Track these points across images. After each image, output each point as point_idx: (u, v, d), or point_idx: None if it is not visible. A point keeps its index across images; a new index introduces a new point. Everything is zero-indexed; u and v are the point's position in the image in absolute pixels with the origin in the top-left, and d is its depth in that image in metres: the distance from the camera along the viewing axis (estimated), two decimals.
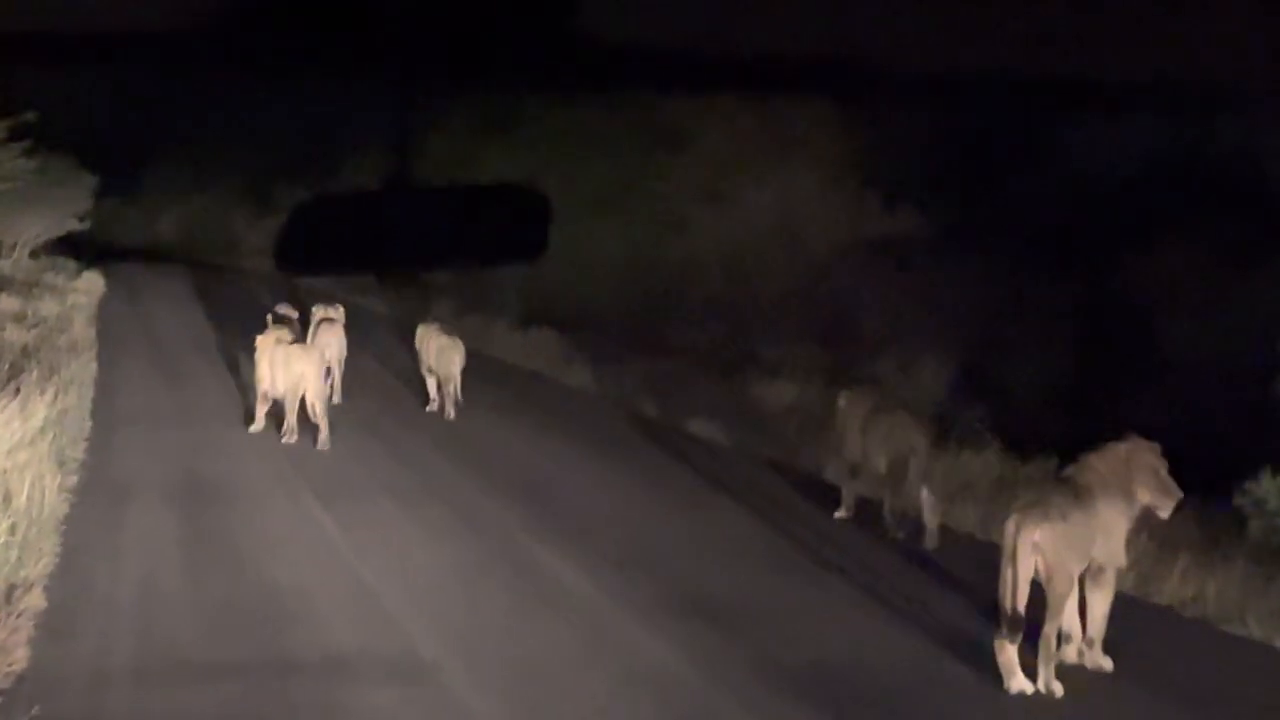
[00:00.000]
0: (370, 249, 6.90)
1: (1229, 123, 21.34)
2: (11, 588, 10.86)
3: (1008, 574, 9.22)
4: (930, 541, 13.26)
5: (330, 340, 19.68)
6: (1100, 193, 21.72)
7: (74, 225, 38.49)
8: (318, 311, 20.54)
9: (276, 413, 17.73)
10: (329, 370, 19.42)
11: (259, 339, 17.81)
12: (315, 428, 17.18)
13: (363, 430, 18.34)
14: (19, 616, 10.39)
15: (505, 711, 9.16)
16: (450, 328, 20.50)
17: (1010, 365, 19.59)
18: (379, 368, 22.71)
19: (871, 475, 13.93)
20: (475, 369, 22.72)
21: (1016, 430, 17.23)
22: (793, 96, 24.38)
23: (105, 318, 28.99)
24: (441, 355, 19.84)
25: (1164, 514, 9.99)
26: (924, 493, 13.33)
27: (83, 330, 25.23)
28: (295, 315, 20.52)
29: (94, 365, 21.96)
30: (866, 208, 23.93)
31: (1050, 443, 15.89)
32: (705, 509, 15.01)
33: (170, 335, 26.94)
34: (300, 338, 19.38)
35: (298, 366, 17.26)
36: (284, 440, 17.34)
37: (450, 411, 19.65)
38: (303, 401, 17.20)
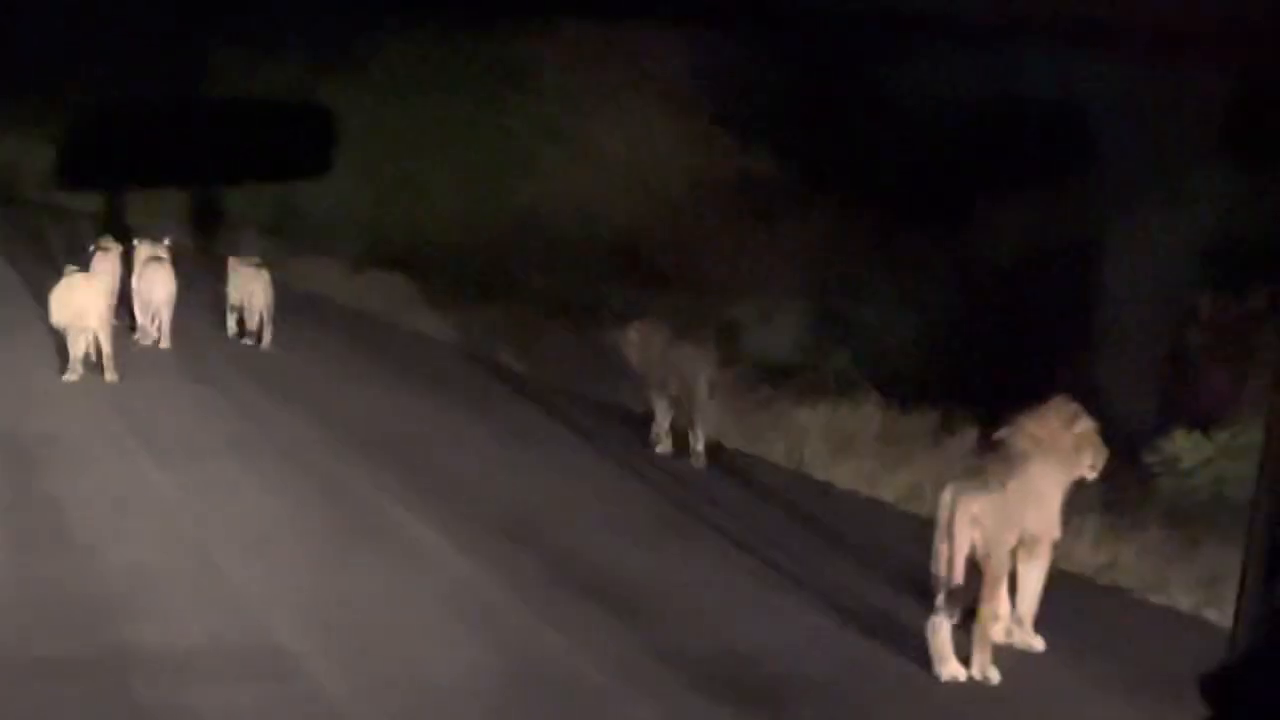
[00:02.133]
0: (153, 161, 6.18)
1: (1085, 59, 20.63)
2: None
3: (943, 548, 8.27)
4: (700, 462, 13.84)
5: (157, 280, 18.25)
6: (960, 132, 20.84)
7: None
8: (142, 249, 19.06)
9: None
10: (155, 314, 18.46)
11: (63, 279, 16.87)
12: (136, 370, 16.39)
13: (194, 378, 16.98)
14: None
15: (375, 711, 8.00)
16: (257, 261, 20.07)
17: (877, 312, 18.65)
18: (204, 310, 21.08)
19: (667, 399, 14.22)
20: (310, 313, 21.51)
21: (889, 382, 16.32)
22: (642, 29, 23.24)
23: None
24: (246, 286, 19.39)
25: (1092, 475, 9.12)
26: (699, 416, 13.86)
27: None
28: (119, 249, 19.67)
29: None
30: (720, 146, 22.78)
31: (928, 395, 15.11)
32: (573, 468, 13.94)
33: None
34: (125, 273, 19.04)
35: (79, 298, 16.25)
36: (65, 378, 16.30)
37: (260, 344, 19.05)
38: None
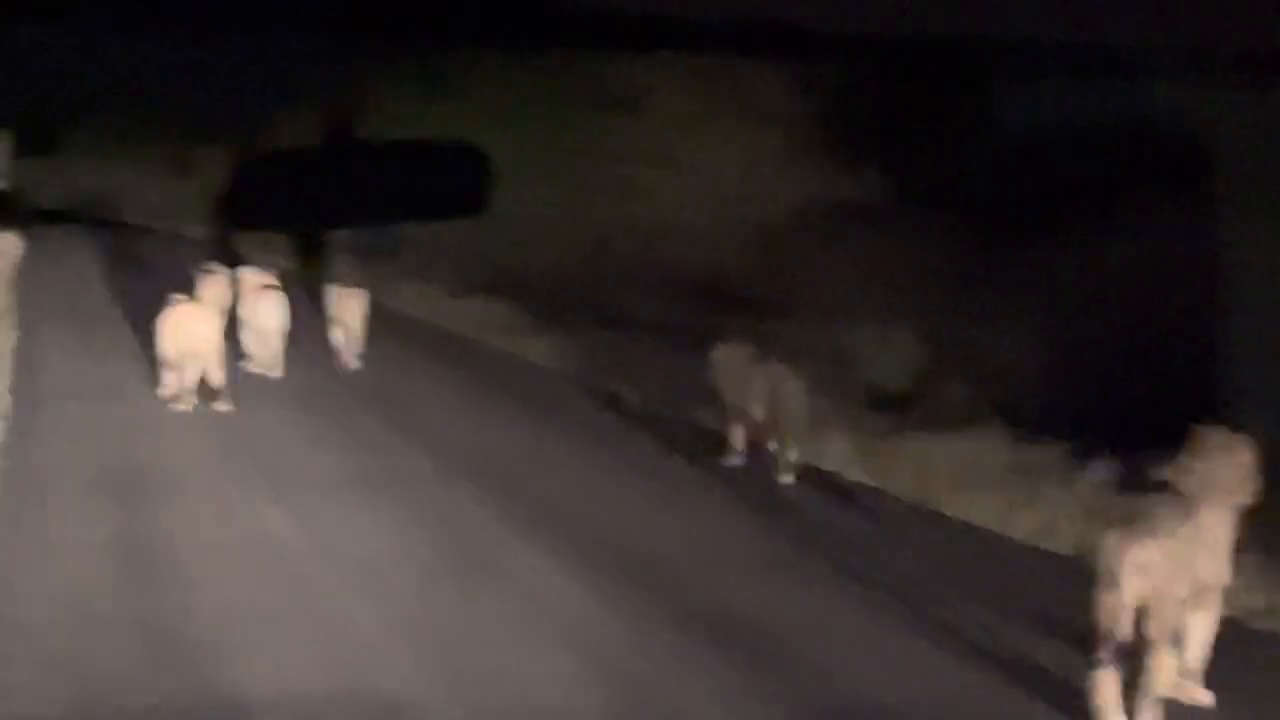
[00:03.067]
0: (314, 205, 6.59)
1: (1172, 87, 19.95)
2: None
3: (1108, 600, 7.60)
4: (789, 478, 13.75)
5: (270, 308, 17.88)
6: (1071, 152, 20.13)
7: None
8: (252, 276, 18.72)
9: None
10: (269, 342, 18.20)
11: (168, 306, 16.56)
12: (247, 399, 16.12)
13: (305, 408, 16.59)
14: None
15: None
16: (354, 281, 19.93)
17: (994, 337, 17.94)
18: (309, 334, 20.68)
19: (752, 422, 14.17)
20: (414, 338, 21.16)
21: (1010, 409, 15.61)
22: (748, 58, 22.74)
23: (25, 283, 26.83)
24: (344, 306, 19.34)
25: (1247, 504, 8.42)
26: (787, 436, 13.80)
27: (1, 297, 23.11)
28: (225, 272, 19.47)
29: (14, 334, 19.90)
30: (824, 171, 22.21)
31: (1053, 423, 14.43)
32: (688, 499, 13.44)
33: (95, 302, 24.89)
34: (232, 297, 18.89)
35: (190, 327, 16.02)
36: (177, 408, 16.07)
37: (353, 362, 19.22)
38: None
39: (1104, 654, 7.69)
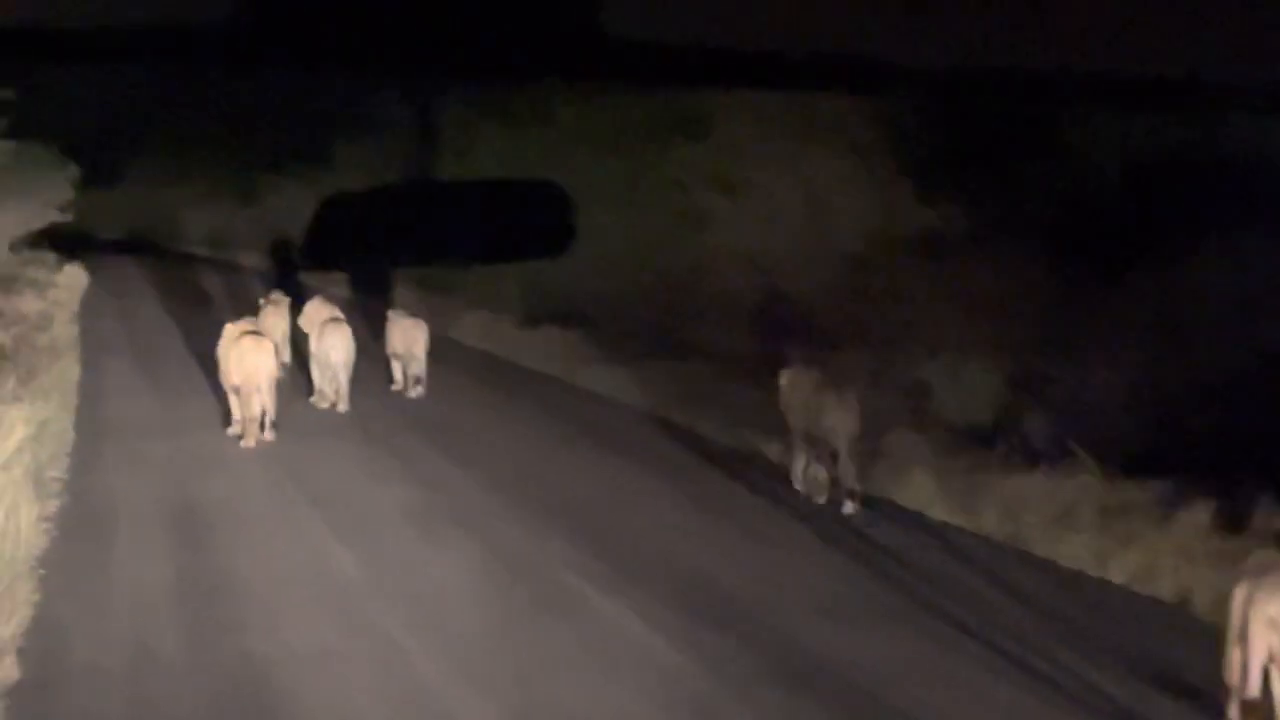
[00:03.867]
0: (397, 243, 5.98)
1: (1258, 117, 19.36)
2: None
3: (1236, 655, 7.07)
4: (851, 509, 13.54)
5: (337, 342, 17.49)
6: (1156, 184, 19.49)
7: (55, 216, 35.94)
8: (320, 310, 18.37)
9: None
10: (335, 376, 17.76)
11: (226, 327, 16.38)
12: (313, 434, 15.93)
13: (369, 440, 16.19)
14: None
15: None
16: (414, 312, 19.79)
17: (1078, 370, 17.31)
18: (371, 367, 20.29)
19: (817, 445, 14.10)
20: (479, 369, 20.76)
21: (1098, 446, 14.98)
22: (816, 88, 22.23)
23: (88, 315, 26.60)
24: (405, 336, 18.96)
25: None
26: (850, 464, 13.62)
27: (64, 329, 22.84)
28: (287, 300, 19.54)
29: (77, 368, 19.59)
30: (900, 200, 21.62)
31: (1146, 461, 13.83)
32: (765, 537, 12.92)
33: (157, 333, 24.55)
34: (291, 326, 19.04)
35: (249, 358, 15.63)
36: (241, 443, 15.75)
37: (415, 391, 18.94)
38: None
39: (1234, 713, 7.17)
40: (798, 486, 14.40)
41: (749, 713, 8.54)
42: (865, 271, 21.35)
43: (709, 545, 12.38)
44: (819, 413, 13.89)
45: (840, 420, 13.69)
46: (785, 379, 14.63)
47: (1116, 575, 11.73)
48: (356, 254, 6.94)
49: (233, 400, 16.18)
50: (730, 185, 22.89)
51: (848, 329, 20.38)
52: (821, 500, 14.01)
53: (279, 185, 40.67)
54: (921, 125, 21.88)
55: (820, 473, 14.26)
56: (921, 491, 14.22)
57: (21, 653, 8.99)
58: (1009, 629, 10.33)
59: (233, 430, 16.17)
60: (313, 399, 17.97)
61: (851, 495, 13.67)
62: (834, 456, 13.85)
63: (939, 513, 13.75)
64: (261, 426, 15.91)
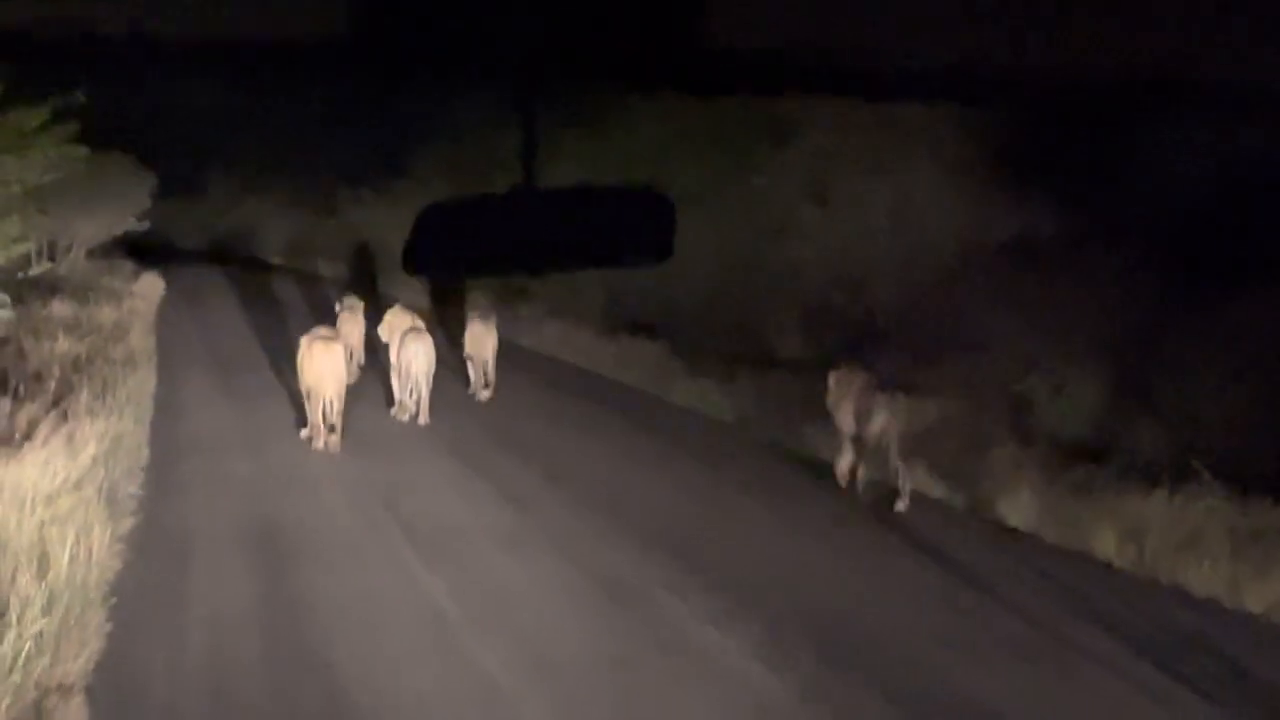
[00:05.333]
0: (497, 251, 6.16)
1: None
2: (43, 695, 7.80)
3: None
4: (903, 506, 13.47)
5: (418, 352, 16.76)
6: (1258, 194, 18.38)
7: (133, 225, 35.52)
8: (399, 319, 17.67)
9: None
10: (415, 386, 17.06)
11: (303, 338, 15.86)
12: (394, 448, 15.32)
13: (455, 456, 15.35)
14: None
15: None
16: (486, 315, 19.67)
17: (1188, 384, 16.24)
18: (452, 378, 19.53)
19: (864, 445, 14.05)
20: (563, 381, 19.97)
21: (1215, 465, 13.94)
22: (904, 95, 21.23)
23: (165, 325, 25.98)
24: (477, 340, 18.97)
25: None
26: (900, 464, 13.59)
27: (140, 339, 22.13)
28: (362, 306, 19.58)
29: (153, 380, 18.86)
30: (992, 208, 20.60)
31: (1266, 480, 12.82)
32: (876, 563, 11.99)
33: (236, 344, 23.87)
34: (366, 330, 19.28)
35: (319, 364, 15.29)
36: (312, 444, 15.52)
37: (483, 394, 18.90)
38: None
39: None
40: (842, 484, 14.32)
41: None
42: (957, 281, 20.35)
43: (819, 573, 11.46)
44: (867, 413, 13.89)
45: (887, 420, 13.71)
46: (833, 379, 14.58)
47: (1254, 604, 10.73)
48: (456, 262, 6.36)
49: (308, 405, 15.73)
50: (818, 194, 21.90)
51: (940, 340, 19.40)
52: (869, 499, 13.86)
53: (358, 196, 40.23)
54: (1014, 133, 20.86)
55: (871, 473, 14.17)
56: (1031, 512, 13.25)
57: (90, 693, 8.16)
58: (1152, 664, 9.41)
59: (305, 433, 15.83)
60: (393, 411, 17.23)
61: (900, 494, 13.60)
62: (884, 456, 13.81)
63: (1052, 535, 12.79)
64: (330, 429, 15.46)
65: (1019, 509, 13.36)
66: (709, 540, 12.28)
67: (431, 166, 34.24)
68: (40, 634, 8.31)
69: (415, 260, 6.19)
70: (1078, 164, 20.07)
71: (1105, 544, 12.30)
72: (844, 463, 14.36)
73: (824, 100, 22.18)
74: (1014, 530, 13.01)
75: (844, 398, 14.30)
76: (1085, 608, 10.73)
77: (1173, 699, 8.72)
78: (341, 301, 20.08)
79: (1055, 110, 20.63)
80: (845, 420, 14.26)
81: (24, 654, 7.91)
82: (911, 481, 13.70)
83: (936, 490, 14.39)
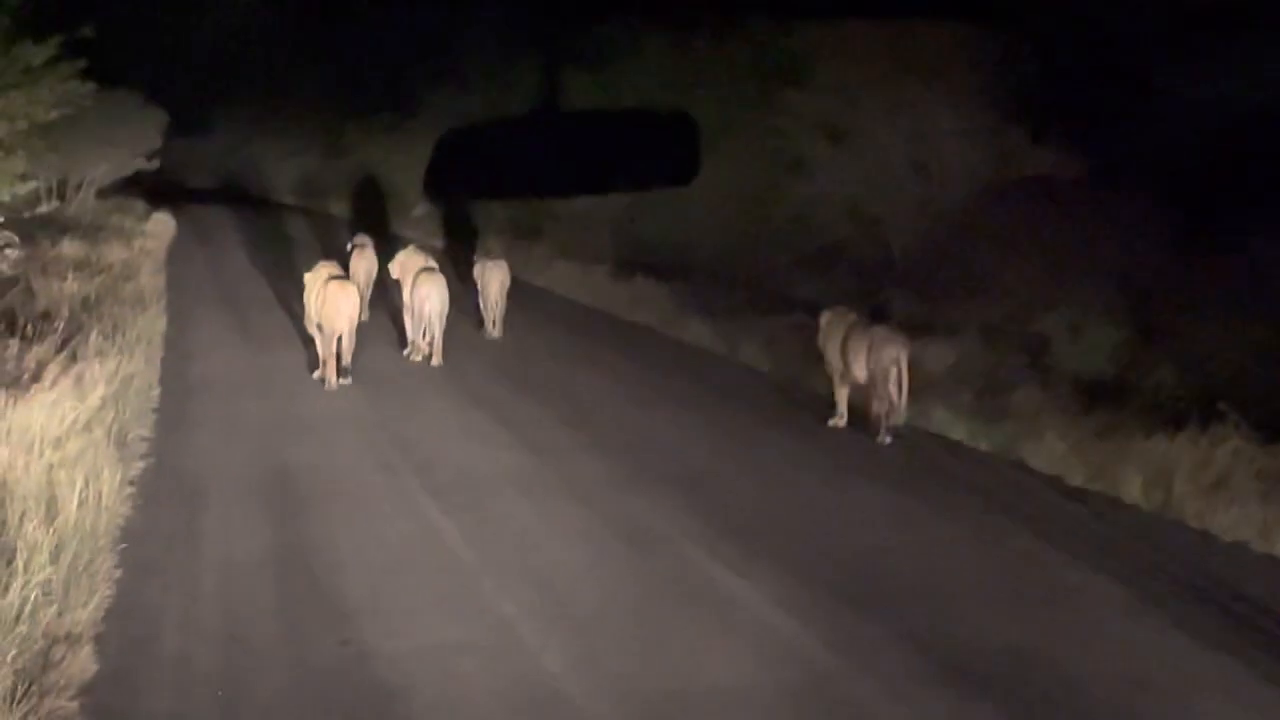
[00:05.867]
0: (521, 174, 6.19)
1: None
2: (50, 645, 7.51)
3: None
4: (884, 437, 13.58)
5: (431, 293, 16.47)
6: (1266, 129, 17.88)
7: (143, 165, 35.18)
8: (412, 259, 17.37)
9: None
10: (429, 327, 16.83)
11: (307, 275, 15.79)
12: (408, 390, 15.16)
13: (470, 399, 15.05)
14: (58, 693, 7.02)
15: None
16: (496, 255, 19.87)
17: (1210, 325, 15.85)
18: (464, 320, 19.24)
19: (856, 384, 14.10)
20: (579, 322, 19.65)
21: (1238, 407, 13.58)
22: (928, 24, 20.72)
23: (176, 264, 25.71)
24: (487, 279, 19.07)
25: None
26: (900, 400, 13.59)
27: (151, 279, 21.84)
28: (372, 244, 19.56)
29: (163, 320, 18.56)
30: (1011, 145, 20.19)
31: None
32: (893, 507, 11.60)
33: (246, 284, 23.60)
34: (376, 268, 19.35)
35: (333, 302, 15.07)
36: (325, 384, 15.30)
37: (495, 332, 19.00)
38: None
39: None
40: (840, 423, 14.35)
41: (899, 709, 7.29)
42: (974, 220, 19.99)
43: (841, 518, 11.13)
44: (856, 352, 13.85)
45: (895, 353, 13.59)
46: (823, 319, 14.65)
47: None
48: (480, 185, 6.20)
49: (318, 342, 15.56)
50: (833, 131, 21.45)
51: (957, 280, 19.07)
52: (889, 440, 13.66)
53: (368, 135, 39.85)
54: (1034, 67, 20.39)
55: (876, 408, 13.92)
56: (1055, 455, 12.93)
57: (100, 641, 7.86)
58: (1182, 607, 9.13)
59: (316, 374, 15.61)
60: (406, 352, 16.96)
61: (885, 426, 13.64)
62: (874, 391, 13.75)
63: (1076, 478, 12.46)
64: (340, 371, 15.27)
65: (1042, 451, 13.04)
66: (729, 484, 11.98)
67: (443, 105, 33.78)
68: (48, 582, 8.01)
69: (438, 184, 6.02)
70: (1097, 101, 19.61)
71: (1131, 487, 11.99)
72: (842, 404, 14.40)
73: (839, 34, 21.68)
74: (1037, 473, 12.68)
75: (833, 337, 14.32)
76: (1113, 552, 10.43)
77: (1203, 644, 8.41)
78: (353, 239, 19.91)
79: (1075, 46, 20.17)
80: (835, 359, 14.26)
81: (31, 602, 7.61)
82: (901, 417, 13.71)
83: (956, 432, 14.06)
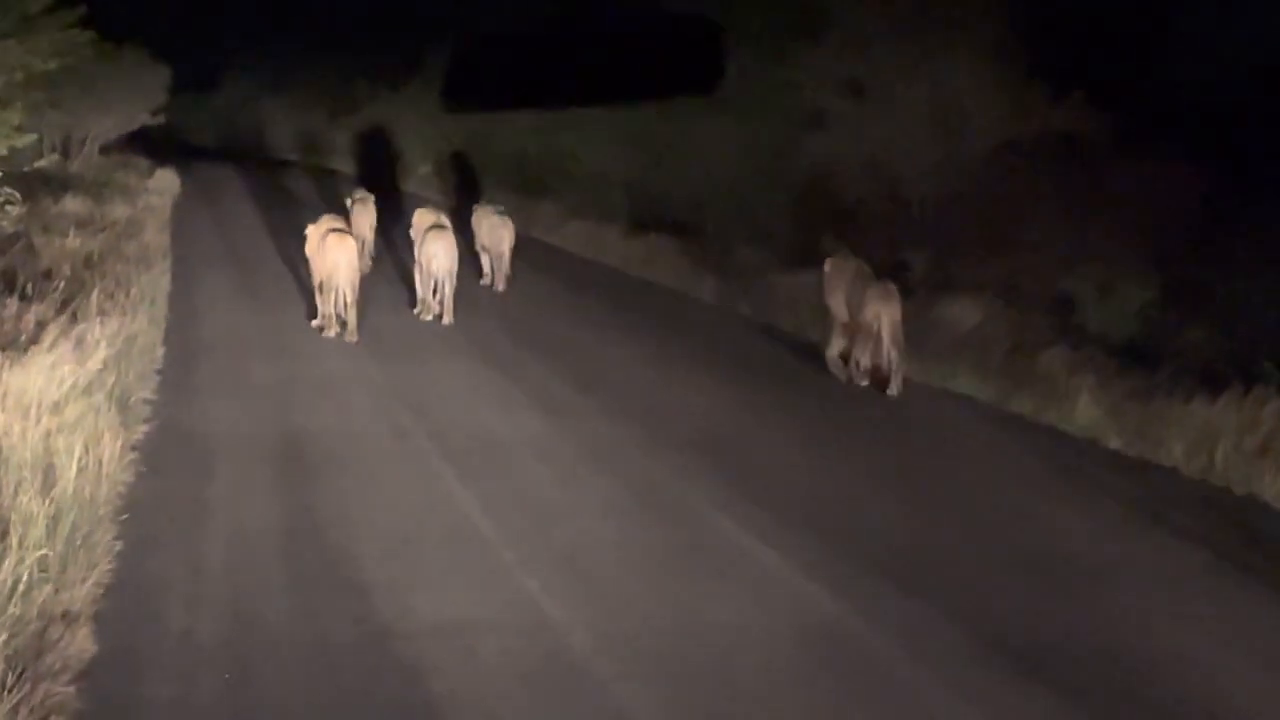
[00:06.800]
0: (535, 87, 4.42)
1: None
2: (47, 625, 6.98)
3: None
4: (895, 390, 13.49)
5: (440, 250, 16.01)
6: None
7: (148, 120, 34.62)
8: (423, 218, 16.91)
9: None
10: (440, 285, 16.41)
11: (309, 228, 15.59)
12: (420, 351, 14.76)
13: (484, 360, 14.53)
14: (53, 678, 6.50)
15: None
16: (501, 209, 19.57)
17: (1237, 284, 15.28)
18: (475, 278, 18.94)
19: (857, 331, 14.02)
20: (592, 281, 19.16)
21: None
22: None
23: (180, 221, 25.14)
24: (493, 233, 19.03)
25: None
26: (893, 352, 13.54)
27: (155, 236, 21.27)
28: (373, 198, 19.55)
29: (167, 278, 18.00)
30: (1035, 99, 19.51)
31: None
32: (918, 471, 11.16)
33: (252, 242, 23.05)
34: (375, 222, 19.67)
35: (332, 254, 14.80)
36: (321, 330, 15.22)
37: (500, 285, 19.00)
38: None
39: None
40: (833, 370, 14.39)
41: (961, 704, 6.76)
42: (997, 177, 19.35)
43: (869, 483, 10.65)
44: (860, 300, 13.80)
45: (881, 308, 13.55)
46: (828, 266, 14.64)
47: None
48: (495, 100, 5.70)
49: (319, 296, 15.32)
50: (851, 86, 20.80)
51: (980, 238, 18.48)
52: (864, 383, 13.95)
53: (375, 91, 39.28)
54: (1059, 17, 19.72)
55: (864, 359, 14.04)
56: (1089, 418, 12.42)
57: (99, 620, 7.33)
58: (1233, 578, 8.73)
59: (315, 323, 15.44)
60: (416, 310, 16.45)
61: (890, 377, 13.63)
62: (877, 343, 13.69)
63: (1113, 442, 11.97)
64: (342, 324, 15.00)
65: (1076, 415, 12.56)
66: (751, 448, 11.52)
67: (447, 64, 33.22)
68: (44, 557, 7.46)
69: (456, 96, 5.35)
70: (1124, 52, 18.96)
71: (1172, 452, 11.51)
72: (834, 349, 14.44)
73: None
74: (1072, 437, 12.17)
75: (837, 286, 14.31)
76: (1155, 520, 9.97)
77: (1256, 616, 7.90)
78: (353, 195, 19.83)
79: None
80: (839, 308, 14.25)
81: (25, 580, 7.06)
82: (905, 368, 13.71)
83: (985, 394, 13.55)
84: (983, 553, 9.04)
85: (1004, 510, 10.05)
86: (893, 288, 13.82)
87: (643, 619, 7.66)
